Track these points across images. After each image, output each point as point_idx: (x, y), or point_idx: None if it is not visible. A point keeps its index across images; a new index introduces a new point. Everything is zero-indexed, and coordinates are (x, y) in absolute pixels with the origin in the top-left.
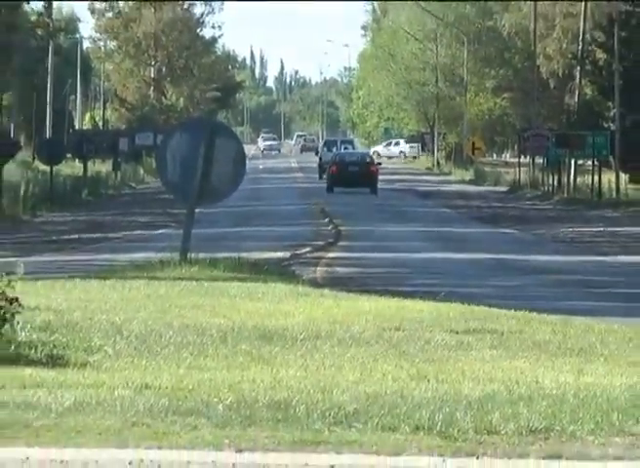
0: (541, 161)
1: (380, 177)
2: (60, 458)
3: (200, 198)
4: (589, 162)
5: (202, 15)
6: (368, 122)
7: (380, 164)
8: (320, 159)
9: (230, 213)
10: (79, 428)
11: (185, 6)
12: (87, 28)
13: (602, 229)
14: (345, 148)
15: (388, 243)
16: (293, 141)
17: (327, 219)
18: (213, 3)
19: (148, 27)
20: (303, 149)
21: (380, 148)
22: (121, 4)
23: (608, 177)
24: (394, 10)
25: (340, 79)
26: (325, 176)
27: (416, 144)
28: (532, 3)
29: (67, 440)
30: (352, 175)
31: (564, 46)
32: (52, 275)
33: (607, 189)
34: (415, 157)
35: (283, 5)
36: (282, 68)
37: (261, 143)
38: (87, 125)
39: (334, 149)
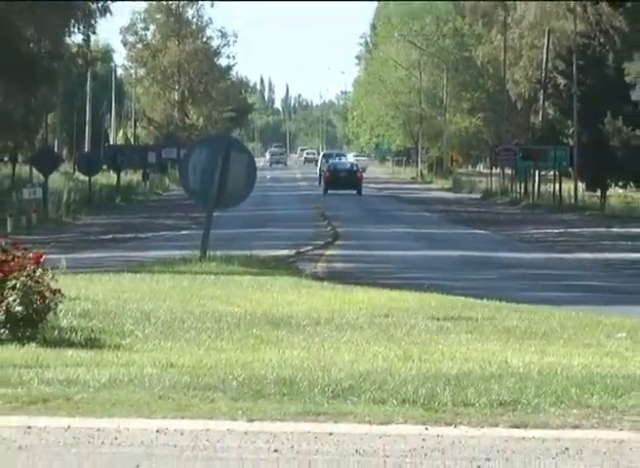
0: (510, 172)
1: (372, 186)
2: (96, 427)
3: (217, 203)
4: (551, 172)
5: (218, 46)
6: (361, 138)
7: (364, 171)
8: (319, 169)
9: (243, 216)
10: (113, 401)
11: (204, 39)
12: (120, 58)
13: (562, 230)
14: (339, 160)
15: (379, 242)
16: (297, 155)
17: (326, 222)
18: (228, 36)
19: (173, 57)
20: (305, 161)
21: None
22: (149, 36)
23: (567, 186)
24: (384, 42)
25: (337, 101)
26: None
27: (363, 158)
28: (502, 37)
29: (103, 411)
30: (342, 180)
31: (529, 73)
32: (90, 269)
33: (566, 196)
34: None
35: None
36: (287, 92)
37: (269, 156)
38: (120, 141)
39: (330, 160)
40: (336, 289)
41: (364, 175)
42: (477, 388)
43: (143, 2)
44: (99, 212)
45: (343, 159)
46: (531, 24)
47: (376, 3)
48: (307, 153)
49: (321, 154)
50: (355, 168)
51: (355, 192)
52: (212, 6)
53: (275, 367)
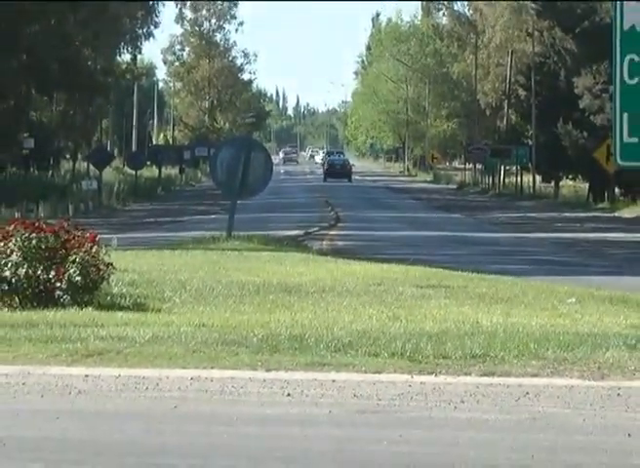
0: (480, 167)
1: (368, 178)
2: (141, 375)
3: (240, 193)
4: (514, 167)
5: (241, 64)
6: (358, 139)
7: (353, 165)
8: (323, 163)
9: (261, 203)
10: (155, 354)
11: (230, 58)
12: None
13: (522, 215)
14: (338, 156)
15: (373, 224)
16: (306, 153)
17: (329, 208)
18: (249, 56)
19: (204, 73)
20: (310, 157)
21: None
22: (185, 56)
23: (527, 178)
24: (377, 61)
25: (338, 109)
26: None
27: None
28: (473, 57)
29: (147, 362)
30: (337, 171)
31: (496, 86)
32: (136, 247)
33: (526, 186)
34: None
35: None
36: (298, 101)
37: (282, 155)
38: (161, 141)
39: (330, 157)
40: (337, 262)
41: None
42: (453, 343)
43: (181, 28)
44: (143, 200)
45: (340, 156)
46: (497, 46)
47: (370, 29)
48: (312, 151)
49: (325, 152)
50: (347, 162)
51: (347, 180)
52: (236, 31)
53: (288, 326)
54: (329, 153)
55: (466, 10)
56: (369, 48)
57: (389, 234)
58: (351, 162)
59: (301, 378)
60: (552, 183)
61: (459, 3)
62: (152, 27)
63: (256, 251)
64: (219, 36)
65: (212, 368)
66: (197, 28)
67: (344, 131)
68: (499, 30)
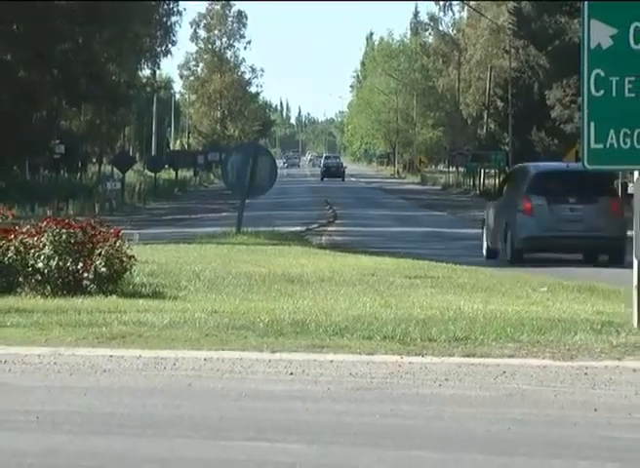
0: (463, 170)
1: (362, 180)
2: (160, 356)
3: (248, 193)
4: (493, 170)
5: (249, 78)
6: (354, 145)
7: (346, 167)
8: (321, 166)
9: (267, 202)
10: (172, 337)
11: (239, 73)
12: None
13: None
14: (334, 159)
15: (367, 221)
16: (306, 158)
17: (328, 206)
18: (257, 71)
19: (216, 86)
20: (310, 161)
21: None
22: (199, 71)
23: None
24: (371, 75)
25: (336, 118)
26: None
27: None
28: (456, 72)
29: (165, 345)
30: (332, 172)
31: (477, 98)
32: (155, 241)
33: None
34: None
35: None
36: (299, 111)
37: (285, 160)
38: (177, 147)
39: (327, 160)
40: (335, 255)
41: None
42: (438, 328)
43: (195, 46)
44: (161, 199)
45: (335, 159)
46: (477, 62)
47: (364, 47)
48: (312, 156)
49: (323, 156)
50: (340, 165)
51: (340, 179)
52: (245, 49)
53: (291, 312)
54: (326, 157)
55: (450, 30)
56: (363, 64)
57: (381, 230)
58: (347, 165)
59: (303, 359)
60: None
61: (443, 23)
62: (170, 45)
63: (262, 245)
64: (229, 53)
65: (222, 349)
66: (210, 46)
67: (341, 137)
68: (479, 48)
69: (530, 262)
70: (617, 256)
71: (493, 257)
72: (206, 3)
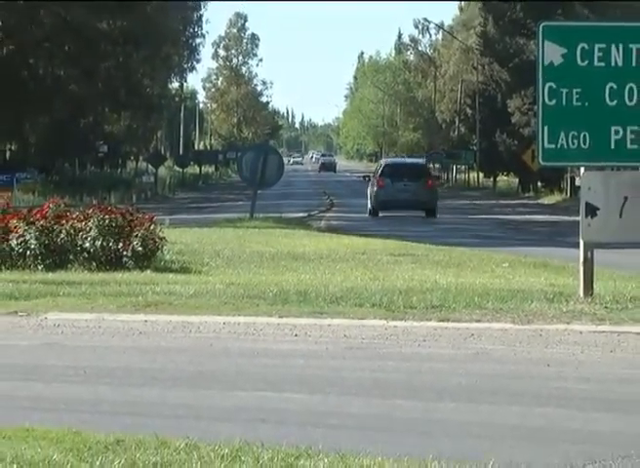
0: (438, 166)
1: (356, 175)
2: (186, 321)
3: (260, 185)
4: (463, 166)
5: (261, 90)
6: (347, 145)
7: (337, 162)
8: (318, 161)
9: (275, 193)
10: (197, 305)
11: (253, 85)
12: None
13: (469, 202)
14: (329, 156)
15: (358, 208)
16: (308, 156)
17: (326, 196)
18: (267, 84)
19: (233, 96)
20: (311, 158)
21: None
22: (219, 84)
23: (472, 175)
24: (362, 87)
25: (333, 123)
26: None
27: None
28: (433, 84)
29: (190, 312)
30: (327, 166)
31: (450, 106)
32: (182, 225)
33: (472, 181)
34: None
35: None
36: (302, 117)
37: (290, 158)
38: (201, 147)
39: (324, 157)
40: (332, 236)
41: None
42: (418, 297)
43: (216, 63)
44: (187, 190)
45: (330, 157)
46: (450, 77)
47: (356, 64)
48: (314, 154)
49: (321, 155)
50: (333, 160)
51: (333, 172)
52: (257, 65)
53: (295, 284)
54: (323, 155)
55: (428, 49)
56: (355, 78)
57: (369, 216)
58: (342, 162)
59: (305, 323)
60: (491, 178)
61: (422, 44)
62: (194, 63)
63: (271, 228)
64: (244, 69)
65: (238, 315)
66: (228, 63)
67: (337, 139)
68: (452, 65)
69: (494, 245)
70: (431, 213)
71: (374, 215)
72: (225, 27)
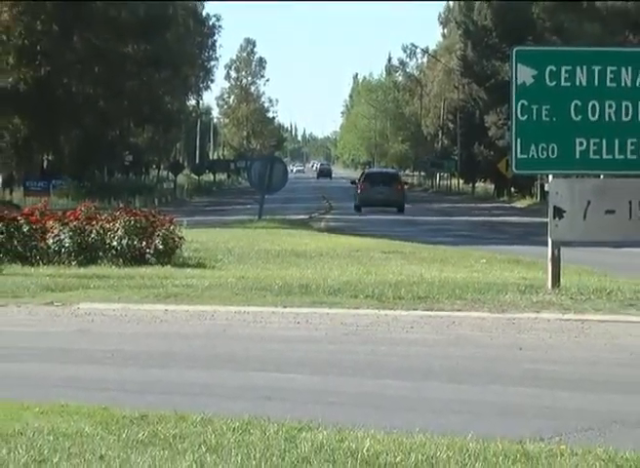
0: (424, 173)
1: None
2: (202, 310)
3: (267, 190)
4: (445, 174)
5: (268, 107)
6: (344, 156)
7: (332, 170)
8: (317, 169)
9: (280, 197)
10: (211, 296)
11: (260, 102)
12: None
13: (451, 205)
14: (326, 164)
15: (353, 211)
16: (309, 165)
17: (325, 200)
18: (273, 101)
19: (243, 112)
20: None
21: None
22: (231, 101)
23: (454, 181)
24: (356, 104)
25: (331, 136)
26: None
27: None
28: (419, 102)
29: (205, 302)
30: (324, 173)
31: (434, 121)
32: (198, 225)
33: (454, 187)
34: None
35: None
36: (304, 131)
37: (293, 167)
38: (215, 157)
39: (321, 165)
40: (331, 236)
41: (345, 175)
42: (406, 289)
43: (228, 83)
44: (203, 195)
45: (326, 165)
46: (435, 95)
47: (351, 84)
48: (315, 163)
49: (319, 164)
50: (329, 168)
51: (328, 178)
52: (264, 85)
53: (297, 278)
54: (321, 164)
55: (415, 71)
56: (351, 96)
57: (364, 218)
58: (339, 171)
59: (307, 312)
60: (470, 184)
61: (410, 66)
62: (209, 83)
63: (276, 229)
64: (252, 88)
65: (248, 305)
66: (239, 83)
67: (335, 150)
68: (436, 85)
69: (473, 243)
70: (400, 209)
71: (358, 210)
72: (236, 51)
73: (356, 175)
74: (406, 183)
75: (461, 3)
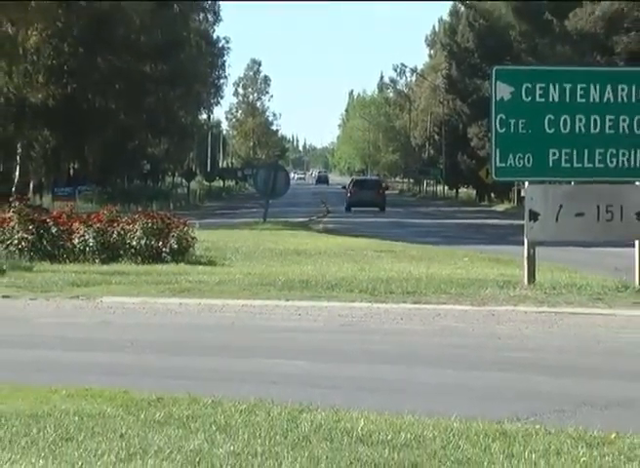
0: (412, 180)
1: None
2: (212, 303)
3: (271, 196)
4: (432, 181)
5: (272, 120)
6: (340, 164)
7: (329, 177)
8: (316, 177)
9: (282, 202)
10: (221, 291)
11: (265, 116)
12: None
13: (436, 209)
14: (323, 172)
15: (348, 214)
16: (309, 173)
17: (323, 205)
18: (277, 115)
19: (250, 125)
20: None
21: (309, 173)
22: (239, 115)
23: (439, 187)
24: (352, 118)
25: (329, 146)
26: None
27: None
28: (408, 116)
29: (215, 296)
30: (322, 180)
31: (422, 133)
32: (209, 227)
33: (439, 192)
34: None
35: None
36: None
37: (295, 175)
38: (224, 165)
39: (319, 173)
40: (329, 236)
41: (341, 182)
42: (396, 285)
43: (236, 99)
44: (213, 200)
45: (324, 173)
46: (422, 110)
47: (347, 99)
48: (314, 171)
49: (317, 171)
50: (327, 176)
51: (326, 184)
52: (269, 100)
53: (298, 274)
54: (319, 171)
55: (404, 88)
56: (346, 110)
57: (358, 220)
58: (336, 178)
59: (307, 305)
60: (454, 190)
61: (400, 84)
62: (219, 99)
63: (280, 230)
64: (258, 104)
65: (254, 299)
66: (246, 99)
67: (332, 159)
68: (423, 100)
69: (457, 243)
70: (381, 209)
71: (348, 210)
72: (243, 70)
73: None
74: (387, 188)
75: (445, 27)
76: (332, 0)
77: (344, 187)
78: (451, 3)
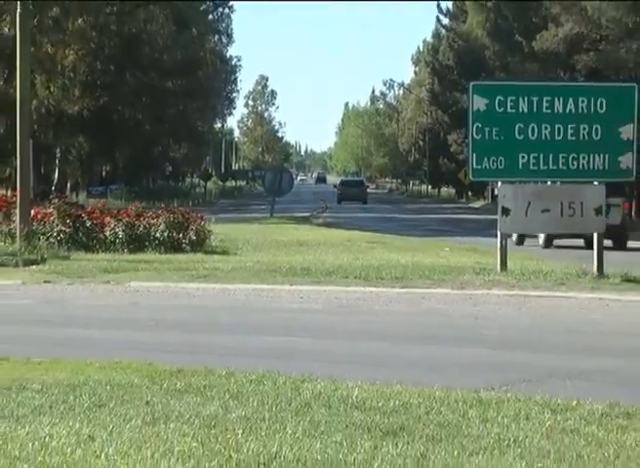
0: (400, 181)
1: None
2: (225, 287)
3: (277, 194)
4: (417, 181)
5: (278, 128)
6: (337, 167)
7: (326, 177)
8: (316, 177)
9: (287, 200)
10: (233, 277)
11: (272, 125)
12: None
13: (421, 206)
14: (322, 173)
15: (345, 210)
16: (311, 174)
17: (323, 202)
18: (282, 124)
19: (259, 133)
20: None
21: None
22: (249, 124)
23: (424, 187)
24: (347, 126)
25: (327, 151)
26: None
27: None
28: (396, 125)
29: (229, 281)
30: (321, 180)
31: (408, 139)
32: (223, 221)
33: (423, 191)
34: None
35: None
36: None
37: (298, 176)
38: (236, 167)
39: (319, 174)
40: (327, 229)
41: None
42: (386, 271)
43: (246, 109)
44: (227, 197)
45: (323, 174)
46: (409, 119)
47: (343, 109)
48: (315, 173)
49: (316, 173)
50: (325, 176)
51: (324, 184)
52: (275, 111)
53: (301, 262)
54: (318, 173)
55: (393, 100)
56: (342, 120)
57: (353, 215)
58: (333, 179)
59: (308, 289)
60: (436, 189)
61: (389, 97)
62: (232, 110)
63: (285, 224)
64: (266, 114)
65: (262, 283)
66: (255, 110)
67: (330, 162)
68: (409, 111)
69: (438, 235)
70: (364, 202)
71: (339, 203)
72: (252, 85)
73: None
74: (368, 187)
75: (429, 47)
76: (332, 10)
77: (335, 186)
78: (433, 27)
